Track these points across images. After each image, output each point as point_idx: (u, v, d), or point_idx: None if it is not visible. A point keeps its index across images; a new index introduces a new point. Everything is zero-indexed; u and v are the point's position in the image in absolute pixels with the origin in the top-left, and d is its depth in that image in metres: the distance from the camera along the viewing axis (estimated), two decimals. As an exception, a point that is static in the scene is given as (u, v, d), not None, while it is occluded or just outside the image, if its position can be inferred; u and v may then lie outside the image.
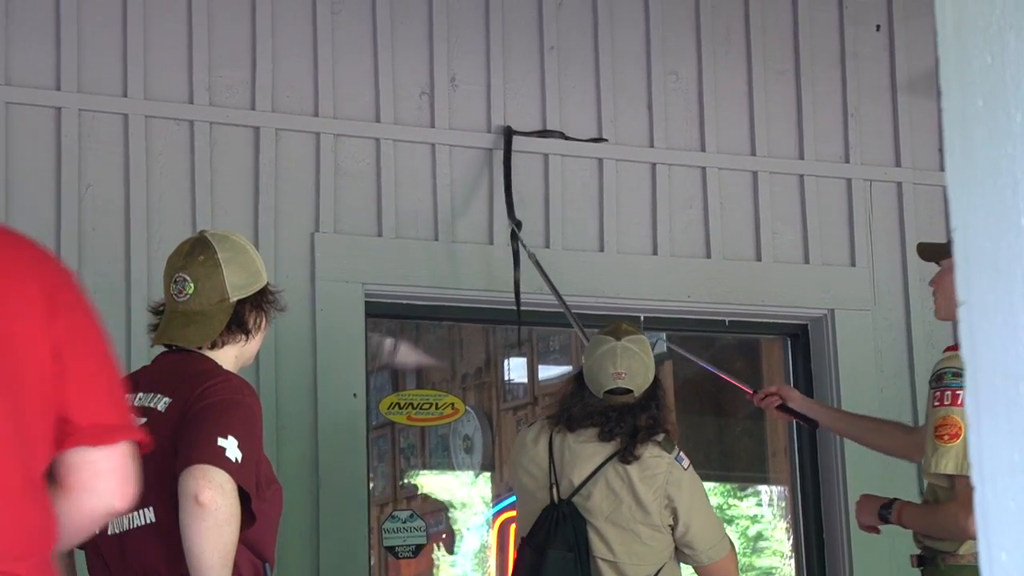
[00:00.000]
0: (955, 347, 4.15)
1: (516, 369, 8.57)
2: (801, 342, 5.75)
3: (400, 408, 5.63)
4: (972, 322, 1.58)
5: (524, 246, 5.13)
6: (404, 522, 5.59)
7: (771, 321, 5.71)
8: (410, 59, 5.35)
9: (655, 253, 5.55)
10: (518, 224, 5.17)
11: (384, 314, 5.40)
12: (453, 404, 5.67)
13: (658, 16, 5.68)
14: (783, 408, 4.66)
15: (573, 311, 5.01)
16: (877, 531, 4.33)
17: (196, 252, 3.46)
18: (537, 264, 5.08)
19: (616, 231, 5.47)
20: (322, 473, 4.97)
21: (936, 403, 3.98)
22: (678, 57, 5.71)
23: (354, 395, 5.07)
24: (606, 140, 5.52)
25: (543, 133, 5.45)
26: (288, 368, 5.00)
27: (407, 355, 8.67)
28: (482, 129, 5.40)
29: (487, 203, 5.35)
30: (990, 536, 1.53)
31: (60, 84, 4.91)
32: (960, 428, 3.92)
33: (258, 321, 3.45)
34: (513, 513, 7.69)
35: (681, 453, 4.32)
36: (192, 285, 3.39)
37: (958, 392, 3.93)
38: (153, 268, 4.88)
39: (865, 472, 5.34)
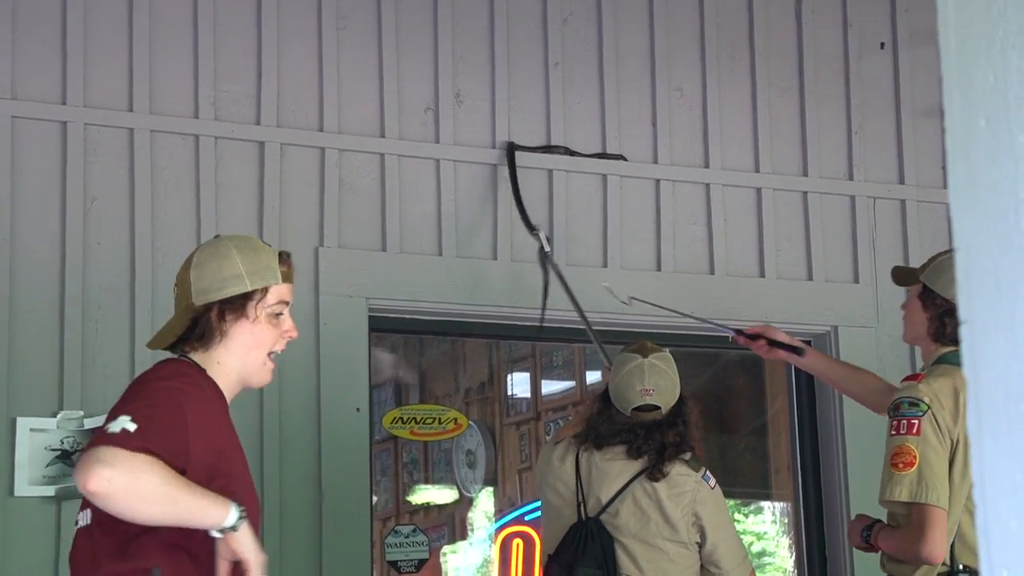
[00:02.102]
0: (914, 376, 4.21)
1: (519, 384, 8.59)
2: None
3: (403, 423, 5.64)
4: (974, 341, 1.58)
5: (552, 264, 5.08)
6: (406, 536, 5.59)
7: (775, 337, 5.70)
8: (415, 75, 5.36)
9: (659, 269, 5.55)
10: (547, 239, 5.13)
11: (388, 329, 5.40)
12: (456, 419, 5.67)
13: (662, 33, 5.69)
14: (772, 343, 4.69)
15: (595, 328, 5.00)
16: (872, 549, 4.35)
17: (190, 255, 3.45)
18: (562, 280, 5.05)
19: (620, 247, 5.48)
20: (325, 487, 4.97)
21: (893, 432, 4.06)
22: (682, 74, 5.72)
23: (357, 410, 5.07)
24: (623, 158, 5.51)
25: (548, 149, 5.46)
26: (291, 382, 5.00)
27: (410, 370, 8.69)
28: (487, 145, 5.41)
29: (491, 218, 5.35)
30: (992, 555, 1.54)
31: (66, 98, 4.92)
32: (915, 456, 4.01)
33: (223, 327, 3.31)
34: (516, 528, 7.73)
35: (708, 472, 4.38)
36: (175, 288, 3.39)
37: (913, 421, 4.03)
38: (158, 282, 4.89)
39: (868, 489, 5.31)
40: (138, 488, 2.92)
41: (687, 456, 4.34)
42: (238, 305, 3.34)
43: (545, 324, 5.22)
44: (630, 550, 4.25)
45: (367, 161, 5.25)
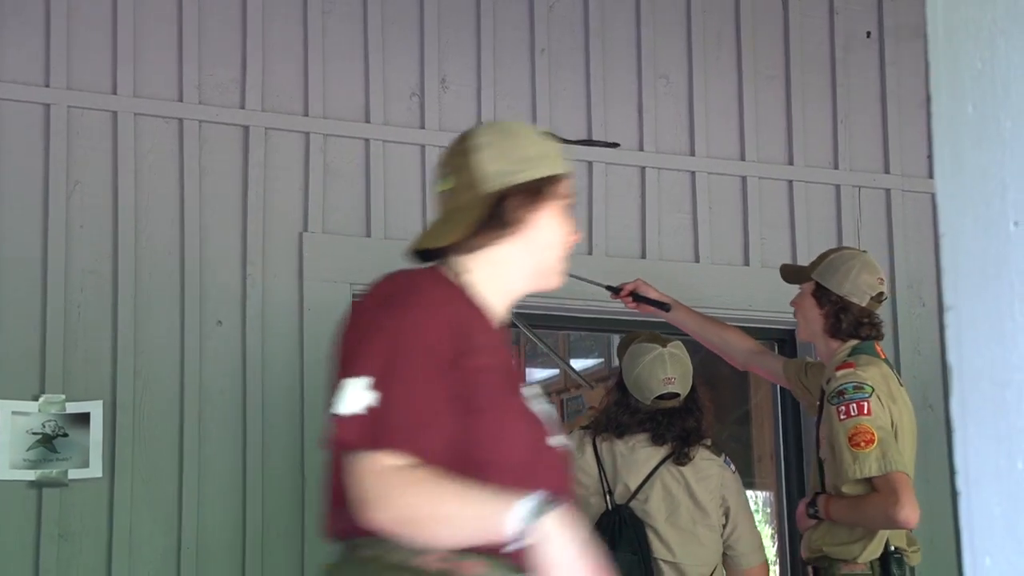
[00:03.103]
0: (847, 365, 4.37)
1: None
2: (788, 348, 5.74)
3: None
4: (959, 327, 1.58)
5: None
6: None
7: (759, 326, 5.70)
8: (400, 60, 5.34)
9: (644, 257, 5.55)
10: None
11: (371, 315, 5.38)
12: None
13: (649, 20, 5.68)
14: (637, 298, 4.86)
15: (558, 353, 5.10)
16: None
17: (456, 141, 2.81)
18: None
19: (605, 234, 5.47)
20: (308, 472, 4.96)
21: (843, 416, 4.26)
22: (669, 61, 5.71)
23: (341, 395, 5.04)
24: (611, 144, 5.52)
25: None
26: (275, 367, 4.99)
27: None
28: (472, 131, 5.38)
29: (476, 205, 5.33)
30: (975, 541, 1.54)
31: (49, 81, 4.89)
32: (872, 433, 4.22)
33: (523, 217, 2.70)
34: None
35: (727, 457, 4.57)
36: (445, 178, 2.77)
37: (863, 403, 4.26)
38: (141, 265, 4.88)
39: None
40: (410, 523, 2.42)
41: (708, 442, 4.50)
42: (543, 191, 2.73)
43: (536, 312, 5.26)
44: (662, 535, 4.37)
45: (352, 146, 5.23)
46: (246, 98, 5.12)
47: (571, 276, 4.99)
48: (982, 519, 1.53)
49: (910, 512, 4.14)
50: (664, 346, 4.45)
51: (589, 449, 4.47)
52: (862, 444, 4.22)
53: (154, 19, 5.05)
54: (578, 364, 8.32)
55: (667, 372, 4.42)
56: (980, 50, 1.59)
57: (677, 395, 4.44)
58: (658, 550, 4.36)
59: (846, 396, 4.29)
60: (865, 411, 4.25)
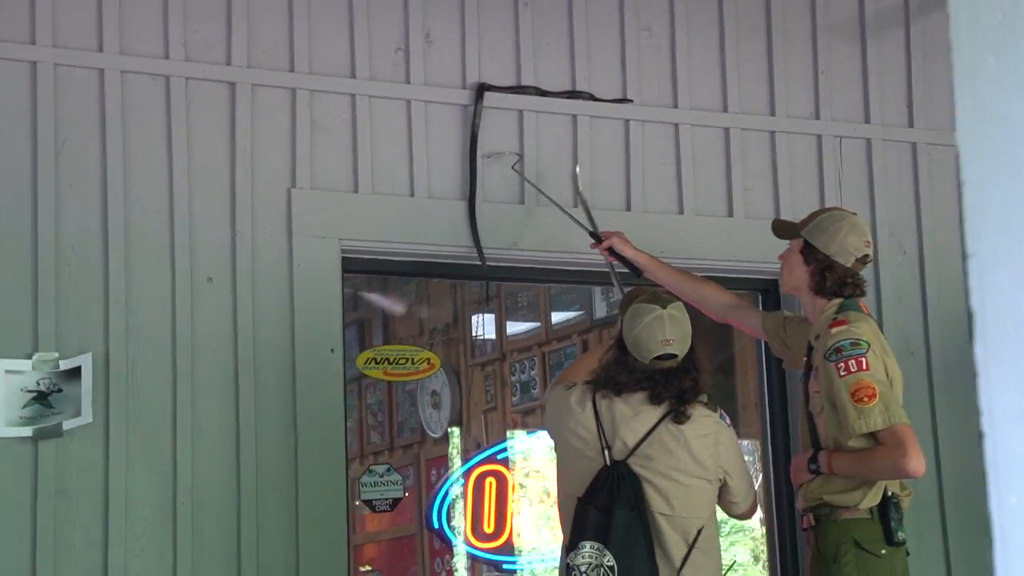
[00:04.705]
0: (840, 322, 4.46)
1: (484, 325, 8.62)
2: (772, 296, 5.79)
3: (376, 363, 5.66)
4: (982, 272, 1.62)
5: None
6: (381, 476, 5.63)
7: (743, 276, 5.75)
8: (385, 15, 5.35)
9: (628, 209, 5.58)
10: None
11: (361, 270, 5.42)
12: (429, 359, 5.69)
13: (631, -28, 5.70)
14: (613, 253, 5.08)
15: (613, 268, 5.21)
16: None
17: None
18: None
19: (589, 186, 5.50)
20: (300, 428, 5.00)
21: (843, 373, 4.36)
22: (651, 13, 5.73)
23: (331, 350, 5.09)
24: (593, 97, 5.55)
25: (518, 89, 5.47)
26: (265, 324, 5.02)
27: (373, 311, 8.70)
28: (457, 85, 5.41)
29: (462, 159, 5.36)
30: (1000, 482, 1.58)
31: (35, 39, 4.89)
32: (874, 388, 4.33)
33: None
34: (489, 467, 7.78)
35: (722, 411, 4.65)
36: None
37: (861, 359, 4.36)
38: (130, 222, 4.89)
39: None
40: None
41: (704, 399, 4.57)
42: None
43: (506, 264, 5.32)
44: (661, 489, 4.44)
45: (338, 102, 5.24)
46: (232, 54, 5.12)
47: (562, 208, 5.17)
48: (1007, 460, 1.57)
49: (918, 462, 4.28)
50: (665, 307, 4.50)
51: (589, 405, 4.53)
52: (865, 399, 4.31)
53: (139, -24, 5.04)
54: (558, 317, 8.37)
55: (666, 334, 4.46)
56: (1000, 1, 1.62)
57: (675, 356, 4.49)
58: (656, 504, 4.42)
59: (844, 353, 4.38)
60: (864, 366, 4.34)
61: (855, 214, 4.88)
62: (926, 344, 5.93)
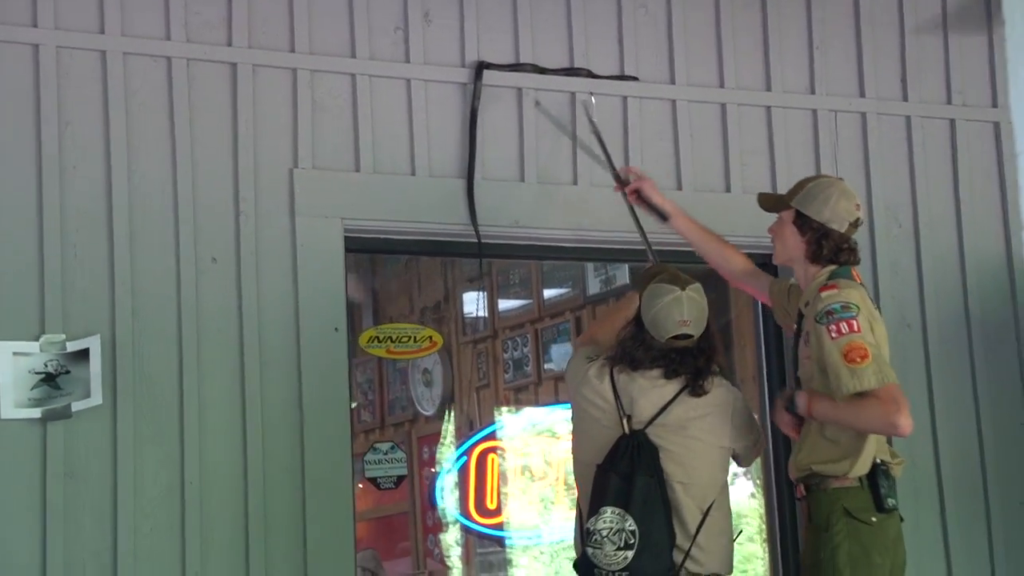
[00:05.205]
0: (831, 287, 4.49)
1: (475, 302, 8.64)
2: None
3: (379, 342, 5.69)
4: (1037, 244, 1.66)
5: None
6: (385, 453, 5.66)
7: (741, 250, 5.78)
8: (384, -5, 5.36)
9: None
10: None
11: (363, 249, 5.43)
12: (431, 337, 5.72)
13: (626, -51, 5.72)
14: (639, 197, 5.12)
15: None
16: (796, 436, 4.66)
17: None
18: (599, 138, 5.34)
19: (589, 163, 5.53)
20: (306, 407, 5.02)
21: (835, 335, 4.39)
22: (647, -10, 5.76)
23: (335, 329, 5.11)
24: (636, 79, 5.59)
25: (517, 67, 5.49)
26: (270, 304, 5.03)
27: (363, 290, 8.72)
28: (456, 64, 5.43)
29: (462, 137, 5.38)
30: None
31: (37, 21, 4.89)
32: (866, 349, 4.36)
33: None
34: (491, 444, 7.82)
35: (730, 383, 4.74)
36: None
37: (852, 321, 4.39)
38: (135, 204, 4.90)
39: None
40: None
41: (716, 370, 4.66)
42: None
43: (500, 242, 5.36)
44: (677, 458, 4.52)
45: (339, 82, 5.25)
46: (232, 35, 5.13)
47: (590, 152, 5.22)
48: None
49: (908, 421, 4.32)
50: (683, 288, 4.58)
51: (607, 378, 4.61)
52: (858, 360, 4.34)
53: (139, -42, 5.04)
54: (550, 293, 8.40)
55: (683, 315, 4.55)
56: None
57: (691, 336, 4.58)
58: (674, 472, 4.51)
59: (835, 316, 4.41)
60: (855, 328, 4.38)
61: (841, 179, 4.91)
62: (922, 317, 5.98)
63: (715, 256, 5.11)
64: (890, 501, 4.46)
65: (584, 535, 4.46)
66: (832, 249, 4.62)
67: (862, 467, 4.46)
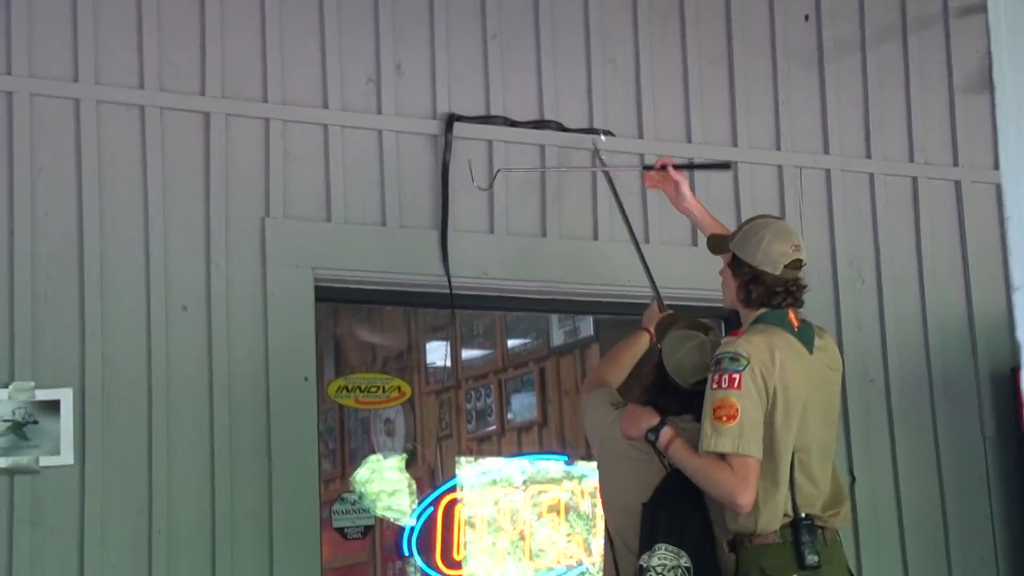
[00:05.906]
0: (735, 333, 4.46)
1: (438, 352, 8.66)
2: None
3: (348, 391, 5.70)
4: (1028, 303, 1.69)
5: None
6: (353, 504, 5.66)
7: (705, 305, 5.82)
8: (356, 46, 5.40)
9: (596, 239, 5.66)
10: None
11: (334, 298, 5.45)
12: (400, 387, 5.74)
13: (596, 5, 5.78)
14: (677, 166, 5.18)
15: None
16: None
17: None
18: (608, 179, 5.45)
19: (559, 217, 5.57)
20: (274, 456, 5.02)
21: (715, 386, 4.29)
22: (616, 45, 5.82)
23: (305, 379, 5.12)
24: (611, 133, 5.65)
25: (487, 119, 5.54)
26: (240, 352, 5.04)
27: (325, 339, 8.71)
28: (428, 115, 5.47)
29: (433, 188, 5.42)
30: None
31: (11, 69, 4.90)
32: (736, 410, 4.25)
33: None
34: (456, 495, 7.80)
35: None
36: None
37: (735, 376, 4.27)
38: (106, 252, 4.90)
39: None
40: None
41: None
42: None
43: (470, 292, 5.38)
44: None
45: (311, 132, 5.29)
46: (206, 85, 5.15)
47: (605, 170, 5.32)
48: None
49: (750, 498, 4.24)
50: (706, 334, 4.64)
51: None
52: (724, 418, 4.25)
53: (114, 7, 5.06)
54: (513, 343, 8.43)
55: (708, 360, 4.53)
56: (1043, 43, 1.70)
57: None
58: (713, 508, 4.49)
59: (721, 366, 4.31)
60: (736, 384, 4.26)
61: (781, 219, 4.84)
62: (885, 371, 6.04)
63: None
64: (811, 558, 4.30)
65: (637, 572, 4.43)
66: (762, 293, 4.48)
67: (768, 523, 4.33)
